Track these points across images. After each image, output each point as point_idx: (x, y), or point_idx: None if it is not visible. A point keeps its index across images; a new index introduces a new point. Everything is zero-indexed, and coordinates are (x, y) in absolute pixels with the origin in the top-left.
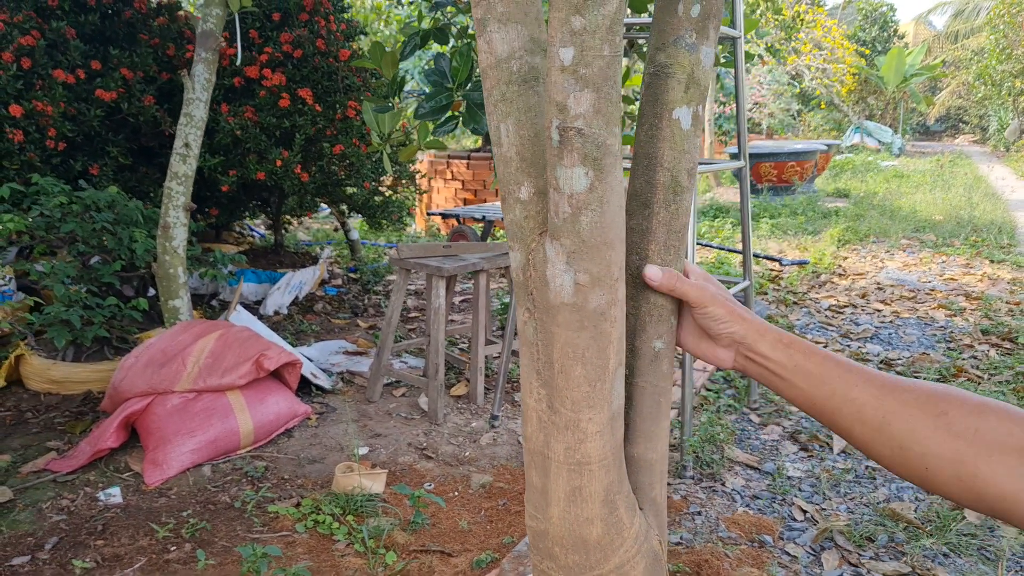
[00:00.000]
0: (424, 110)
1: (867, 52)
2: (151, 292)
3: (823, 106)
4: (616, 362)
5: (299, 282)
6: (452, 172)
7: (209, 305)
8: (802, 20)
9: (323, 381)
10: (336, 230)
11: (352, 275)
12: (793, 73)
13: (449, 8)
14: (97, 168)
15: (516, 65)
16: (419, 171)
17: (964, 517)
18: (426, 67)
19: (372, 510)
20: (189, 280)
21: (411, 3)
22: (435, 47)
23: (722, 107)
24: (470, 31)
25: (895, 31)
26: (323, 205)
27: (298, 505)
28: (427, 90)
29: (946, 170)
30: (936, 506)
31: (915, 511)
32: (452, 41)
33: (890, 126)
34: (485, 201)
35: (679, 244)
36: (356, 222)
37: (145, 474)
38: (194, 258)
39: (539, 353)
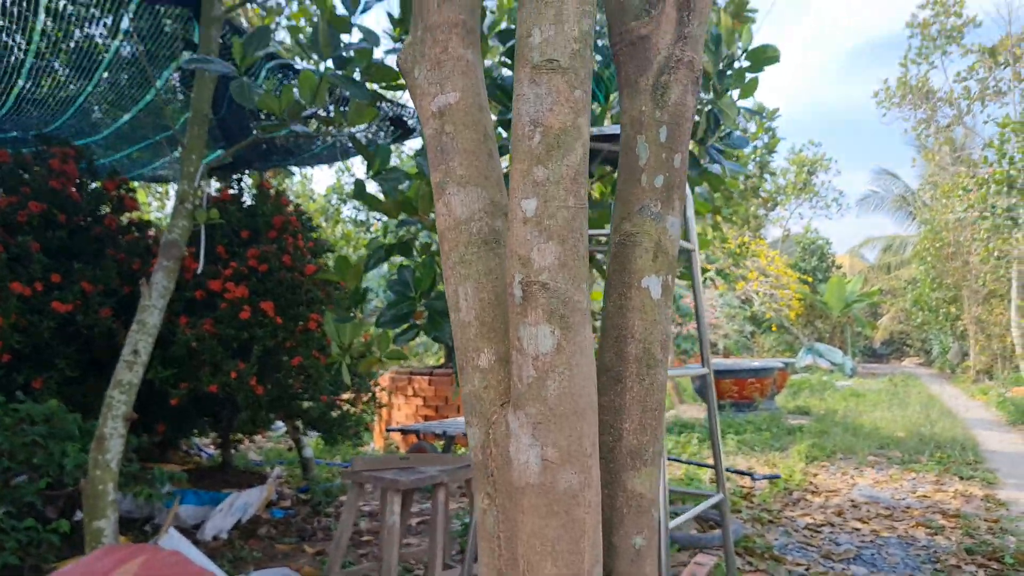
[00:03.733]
0: (386, 318)
1: (810, 279)
2: (78, 515)
3: (774, 328)
4: (591, 558)
5: (244, 503)
6: (413, 388)
7: (141, 530)
8: (747, 249)
9: None
10: (290, 449)
11: (303, 495)
12: (744, 298)
13: (414, 228)
14: (41, 382)
15: (476, 227)
16: (379, 385)
17: None
18: (390, 278)
19: None
20: (122, 501)
21: (378, 221)
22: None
23: (680, 327)
24: (433, 247)
25: (833, 261)
26: (278, 422)
27: None
28: (389, 298)
29: (900, 389)
30: None
31: None
32: (415, 255)
33: (839, 347)
34: (447, 417)
35: (656, 424)
36: (311, 440)
37: None
38: (130, 475)
39: (501, 548)
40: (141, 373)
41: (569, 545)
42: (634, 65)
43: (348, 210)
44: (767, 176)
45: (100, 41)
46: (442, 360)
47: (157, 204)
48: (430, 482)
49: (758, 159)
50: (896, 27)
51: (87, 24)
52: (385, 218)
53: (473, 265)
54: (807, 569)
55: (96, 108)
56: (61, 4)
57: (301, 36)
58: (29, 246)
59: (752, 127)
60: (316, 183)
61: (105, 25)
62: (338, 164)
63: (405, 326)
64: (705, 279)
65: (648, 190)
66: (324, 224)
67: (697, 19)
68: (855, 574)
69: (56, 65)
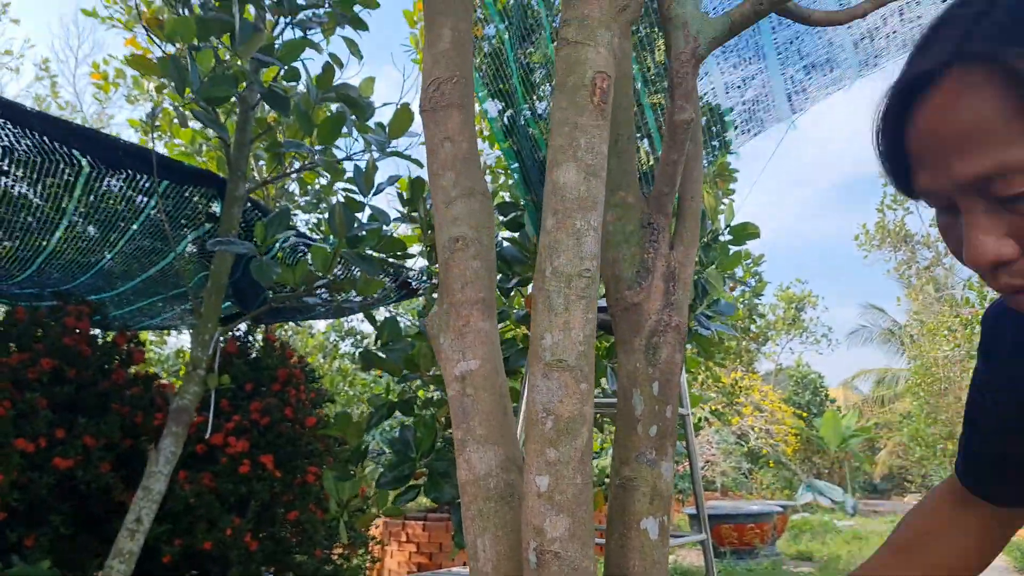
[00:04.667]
0: (387, 479)
1: (804, 415)
2: None
3: (772, 464)
4: None
5: None
6: (407, 534)
7: None
8: (740, 387)
9: None
10: None
11: None
12: (739, 433)
13: (417, 384)
14: (33, 539)
15: (493, 483)
16: (374, 537)
17: None
18: (390, 434)
19: None
20: None
21: (380, 377)
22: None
23: (677, 464)
24: (434, 400)
25: (826, 395)
26: (267, 571)
27: None
28: (387, 451)
29: None
30: None
31: None
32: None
33: (839, 484)
34: (441, 566)
35: None
36: None
37: None
38: None
39: None
40: (142, 541)
41: None
42: (628, 327)
43: (346, 346)
44: (756, 317)
45: (125, 215)
46: (437, 506)
47: (157, 339)
48: None
49: (746, 302)
50: (876, 168)
51: (114, 205)
52: (385, 386)
53: (490, 519)
54: None
55: (114, 271)
56: (94, 183)
57: (314, 216)
58: (37, 403)
59: (739, 272)
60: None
61: (132, 200)
62: None
63: (405, 487)
64: (700, 425)
65: (644, 438)
66: (322, 360)
67: (681, 289)
68: None
69: (80, 241)
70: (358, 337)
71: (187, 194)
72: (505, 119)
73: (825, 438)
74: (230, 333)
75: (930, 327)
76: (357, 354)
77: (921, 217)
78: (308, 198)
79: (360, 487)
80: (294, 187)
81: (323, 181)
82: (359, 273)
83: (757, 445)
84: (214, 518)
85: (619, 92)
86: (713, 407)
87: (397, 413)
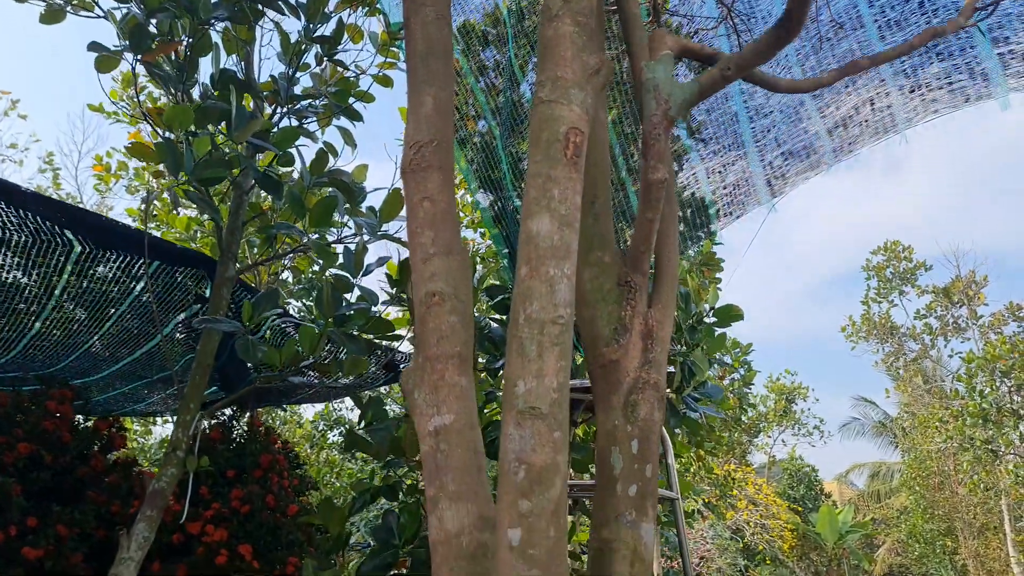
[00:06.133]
0: (368, 567)
1: (800, 509)
2: None
3: (768, 561)
4: None
5: None
6: None
7: None
8: (733, 479)
9: None
10: None
11: None
12: (734, 528)
13: (402, 470)
14: None
15: (466, 541)
16: None
17: None
18: (373, 523)
19: None
20: None
21: (368, 466)
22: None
23: (669, 561)
24: (420, 486)
25: (821, 489)
26: None
27: None
28: (371, 543)
29: None
30: None
31: None
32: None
33: None
34: None
35: None
36: None
37: None
38: None
39: None
40: None
41: None
42: (606, 384)
43: (334, 435)
44: (747, 408)
45: (114, 295)
46: None
47: (141, 429)
48: None
49: (736, 391)
50: (859, 265)
51: (104, 287)
52: (370, 472)
53: None
54: None
55: (99, 354)
56: (84, 265)
57: (304, 301)
58: (11, 489)
59: (728, 359)
60: (304, 409)
61: (122, 282)
62: None
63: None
64: (693, 516)
65: (623, 499)
66: (309, 451)
67: (660, 347)
68: None
69: (66, 323)
70: (346, 426)
71: (177, 276)
72: (495, 209)
73: (822, 534)
74: (214, 419)
75: (921, 419)
76: (343, 433)
77: (905, 310)
78: (300, 285)
79: (341, 574)
80: (287, 275)
81: (316, 268)
82: (345, 355)
83: (753, 541)
84: None
85: (596, 154)
86: (706, 499)
87: (382, 501)
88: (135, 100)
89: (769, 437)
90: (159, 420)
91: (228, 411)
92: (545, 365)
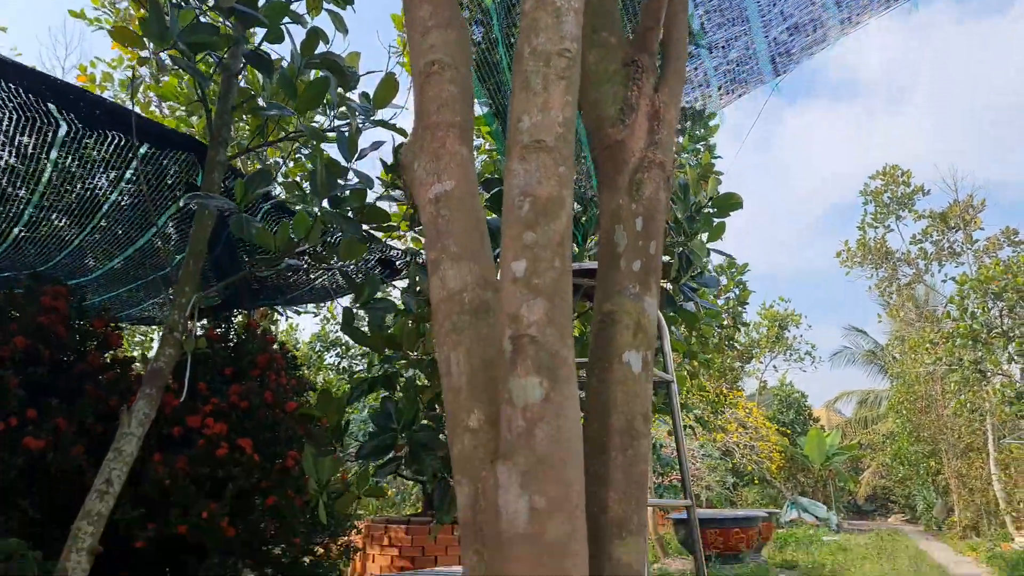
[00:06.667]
0: (367, 450)
1: (788, 432)
2: None
3: (756, 481)
4: None
5: None
6: (389, 538)
7: None
8: (725, 397)
9: None
10: None
11: None
12: (724, 449)
13: (397, 363)
14: (1, 522)
15: (468, 297)
16: (356, 528)
17: None
18: (370, 412)
19: None
20: None
21: (362, 356)
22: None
23: (661, 478)
24: (418, 382)
25: (810, 414)
26: None
27: None
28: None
29: (887, 544)
30: None
31: None
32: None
33: (823, 502)
34: (423, 569)
35: (640, 494)
36: None
37: None
38: None
39: None
40: (111, 504)
41: None
42: (612, 165)
43: (331, 357)
44: (740, 327)
45: (104, 184)
46: (420, 509)
47: (139, 353)
48: None
49: (730, 311)
50: (857, 194)
51: (93, 170)
52: (367, 364)
53: (465, 332)
54: None
55: (92, 249)
56: (72, 146)
57: (300, 176)
58: (8, 381)
59: (724, 280)
60: (302, 331)
61: (112, 167)
62: (323, 313)
63: (386, 459)
64: (684, 429)
65: (627, 274)
66: (307, 371)
67: (666, 128)
68: None
69: (57, 211)
70: (343, 347)
71: (166, 164)
72: (494, 103)
73: (809, 456)
74: (213, 320)
75: (912, 343)
76: (341, 312)
77: (901, 235)
78: (291, 166)
79: (340, 467)
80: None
81: (306, 152)
82: (341, 238)
83: (742, 462)
84: (188, 503)
85: None
86: (698, 417)
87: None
88: (117, 7)
89: (761, 363)
90: (156, 336)
91: (225, 314)
92: (551, 98)
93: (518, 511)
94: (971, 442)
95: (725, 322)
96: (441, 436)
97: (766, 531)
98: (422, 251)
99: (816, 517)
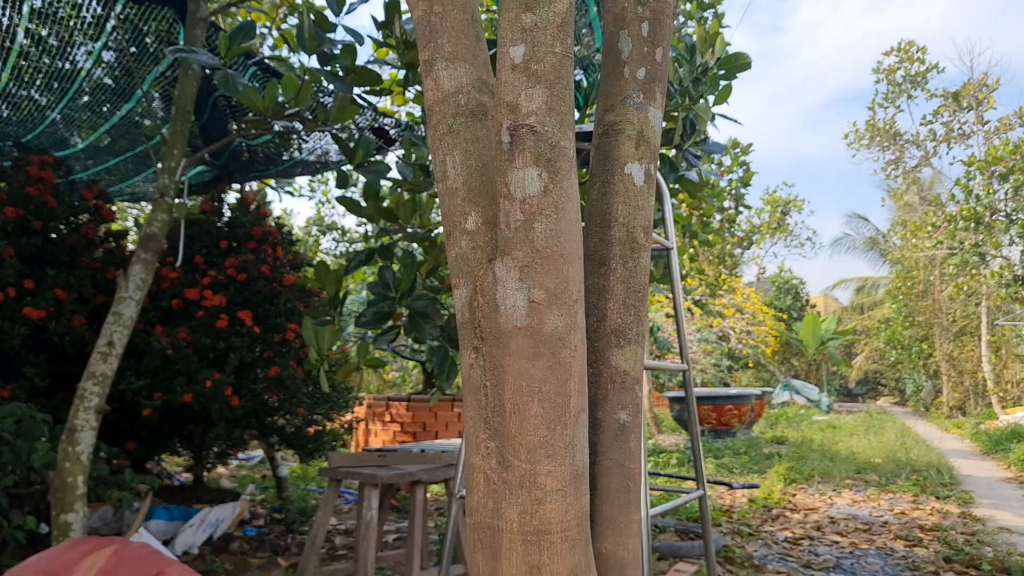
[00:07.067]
0: (366, 318)
1: (785, 317)
2: (45, 530)
3: (751, 365)
4: (578, 404)
5: (216, 519)
6: (391, 414)
7: None
8: (724, 280)
9: None
10: (264, 477)
11: (277, 515)
12: (720, 334)
13: (397, 236)
14: (9, 391)
15: (464, 99)
16: (358, 399)
17: None
18: (368, 283)
19: None
20: (91, 517)
21: (360, 239)
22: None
23: (658, 359)
24: (415, 252)
25: (807, 301)
26: (253, 453)
27: None
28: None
29: (876, 422)
30: None
31: None
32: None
33: (816, 385)
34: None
35: (639, 305)
36: (290, 468)
37: None
38: (100, 479)
39: (488, 396)
40: (115, 366)
41: (555, 387)
42: None
43: (328, 241)
44: (742, 209)
45: (83, 42)
46: (420, 387)
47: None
48: (409, 479)
49: (733, 191)
50: (868, 79)
51: (71, 27)
52: (363, 240)
53: (460, 134)
54: None
55: (76, 118)
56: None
57: (286, 25)
58: (2, 251)
59: (727, 161)
60: (297, 215)
61: (90, 24)
62: (319, 196)
63: (385, 327)
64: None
65: (631, 82)
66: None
67: None
68: None
69: (36, 64)
70: (340, 230)
71: (144, 27)
72: None
73: (804, 341)
74: (205, 194)
75: (913, 227)
76: (335, 176)
77: (911, 116)
78: (276, 35)
79: (340, 339)
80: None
81: (294, 20)
82: (332, 98)
83: (737, 347)
84: (192, 372)
85: None
86: (696, 300)
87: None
88: None
89: (760, 249)
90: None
91: (217, 189)
92: None
93: (516, 305)
94: (964, 326)
95: (727, 204)
96: (439, 306)
97: (758, 409)
98: (417, 124)
99: (807, 399)
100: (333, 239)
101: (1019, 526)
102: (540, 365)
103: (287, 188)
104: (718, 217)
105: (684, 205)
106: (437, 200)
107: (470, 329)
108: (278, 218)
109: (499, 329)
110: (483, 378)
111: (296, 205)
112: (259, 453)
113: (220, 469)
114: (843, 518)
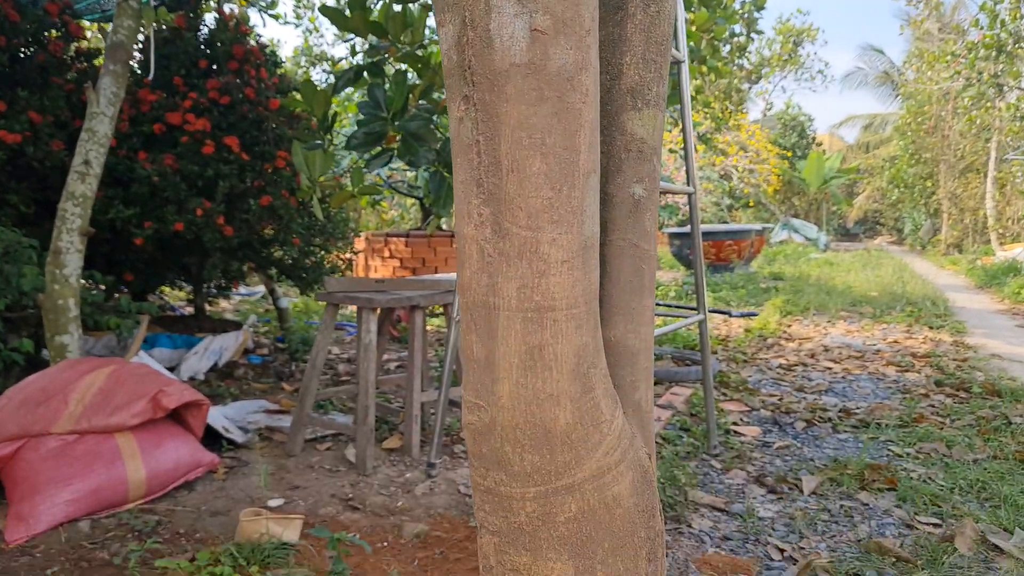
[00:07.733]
0: (358, 139)
1: (789, 154)
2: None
3: (751, 204)
4: (588, 162)
5: (220, 347)
6: (390, 250)
7: None
8: (730, 114)
9: (236, 435)
10: (266, 311)
11: (280, 344)
12: (723, 173)
13: (384, 53)
14: None
15: None
16: (353, 229)
17: (955, 550)
18: (361, 99)
19: (283, 560)
20: (93, 348)
21: (347, 41)
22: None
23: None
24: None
25: (813, 139)
26: (255, 289)
27: (193, 559)
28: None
29: (873, 258)
30: (923, 539)
31: (901, 545)
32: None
33: (815, 224)
34: None
35: (661, 60)
36: (292, 303)
37: (6, 530)
38: (96, 305)
39: (480, 154)
40: (95, 186)
41: (562, 139)
42: None
43: (318, 73)
44: (754, 36)
45: None
46: (419, 225)
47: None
48: (406, 303)
49: (745, 15)
50: None
51: None
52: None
53: None
54: (780, 399)
55: None
56: None
57: None
58: None
59: None
60: (284, 44)
61: None
62: (305, 23)
63: (378, 150)
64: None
65: None
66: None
67: None
68: (827, 403)
69: None
70: (331, 61)
71: None
72: None
73: (807, 179)
74: (179, 10)
75: (931, 57)
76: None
77: None
78: None
79: (332, 164)
80: None
81: None
82: None
83: (739, 186)
84: (182, 200)
85: None
86: (702, 134)
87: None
88: None
89: (769, 83)
90: None
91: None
92: None
93: (515, 35)
94: (972, 162)
95: (738, 29)
96: (434, 127)
97: (758, 245)
98: None
99: (806, 237)
100: (324, 70)
101: (1010, 353)
102: (544, 112)
103: (271, 12)
104: (727, 47)
105: (694, 27)
106: (431, 14)
107: (459, 75)
108: (259, 36)
109: (494, 69)
110: (475, 132)
111: (283, 34)
112: (261, 289)
113: (223, 303)
114: (837, 347)
